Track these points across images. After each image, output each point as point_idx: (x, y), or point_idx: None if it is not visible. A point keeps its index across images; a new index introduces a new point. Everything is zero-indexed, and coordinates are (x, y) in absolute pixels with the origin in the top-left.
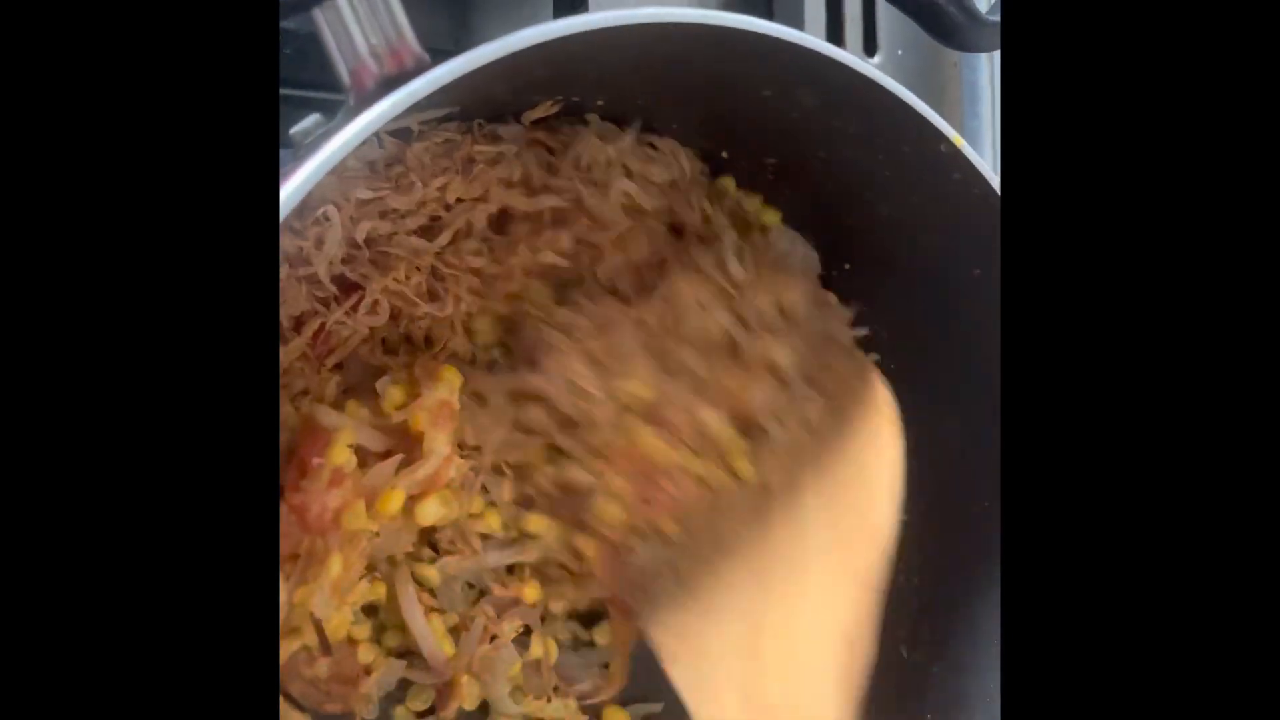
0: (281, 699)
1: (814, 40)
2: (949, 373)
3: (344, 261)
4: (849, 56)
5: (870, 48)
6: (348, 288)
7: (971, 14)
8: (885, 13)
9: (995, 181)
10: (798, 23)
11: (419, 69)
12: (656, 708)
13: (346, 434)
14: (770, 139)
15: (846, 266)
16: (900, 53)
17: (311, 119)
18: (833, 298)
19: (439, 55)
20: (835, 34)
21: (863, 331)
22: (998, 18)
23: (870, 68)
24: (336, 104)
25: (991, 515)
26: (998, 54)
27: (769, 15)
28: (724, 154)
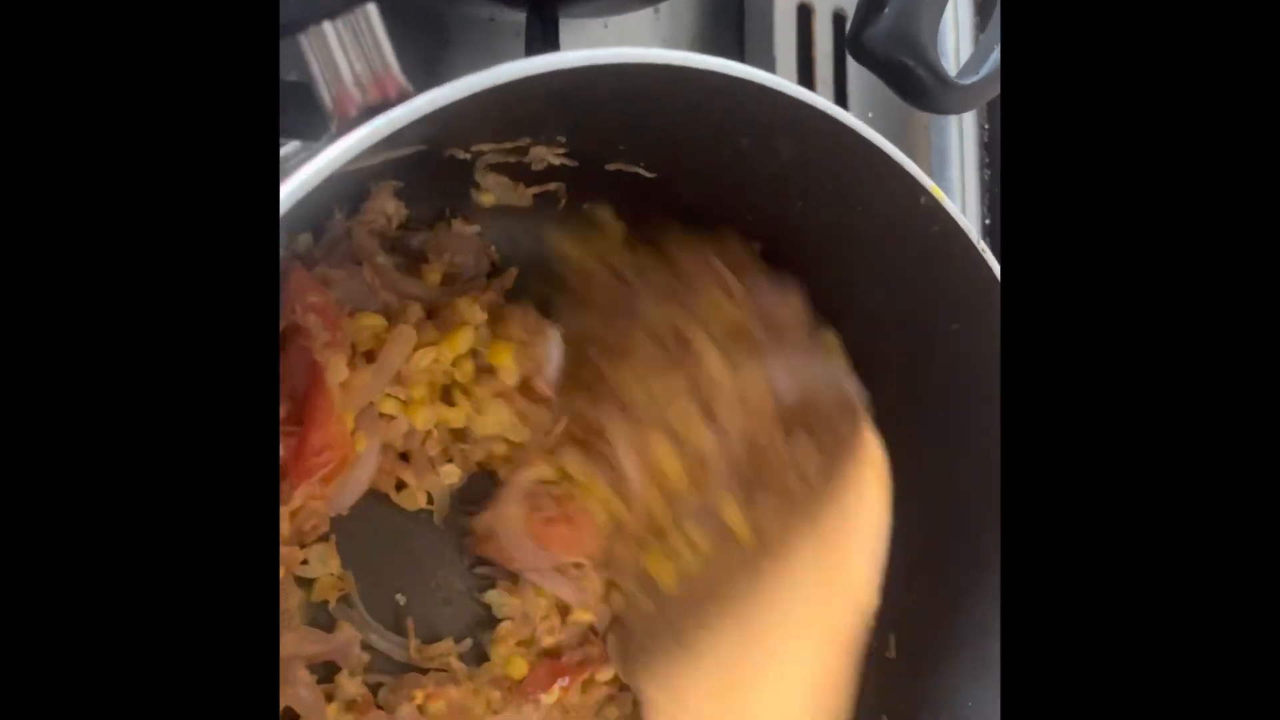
0: None
1: (790, 85)
2: (929, 426)
3: None
4: (826, 103)
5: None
6: None
7: (941, 77)
8: (855, 75)
9: (974, 235)
10: None
11: (402, 99)
12: None
13: None
14: (750, 190)
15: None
16: (870, 115)
17: (292, 145)
18: (834, 339)
19: None
20: None
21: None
22: (968, 81)
23: (849, 116)
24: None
25: (975, 583)
26: (968, 118)
27: None
28: (702, 206)
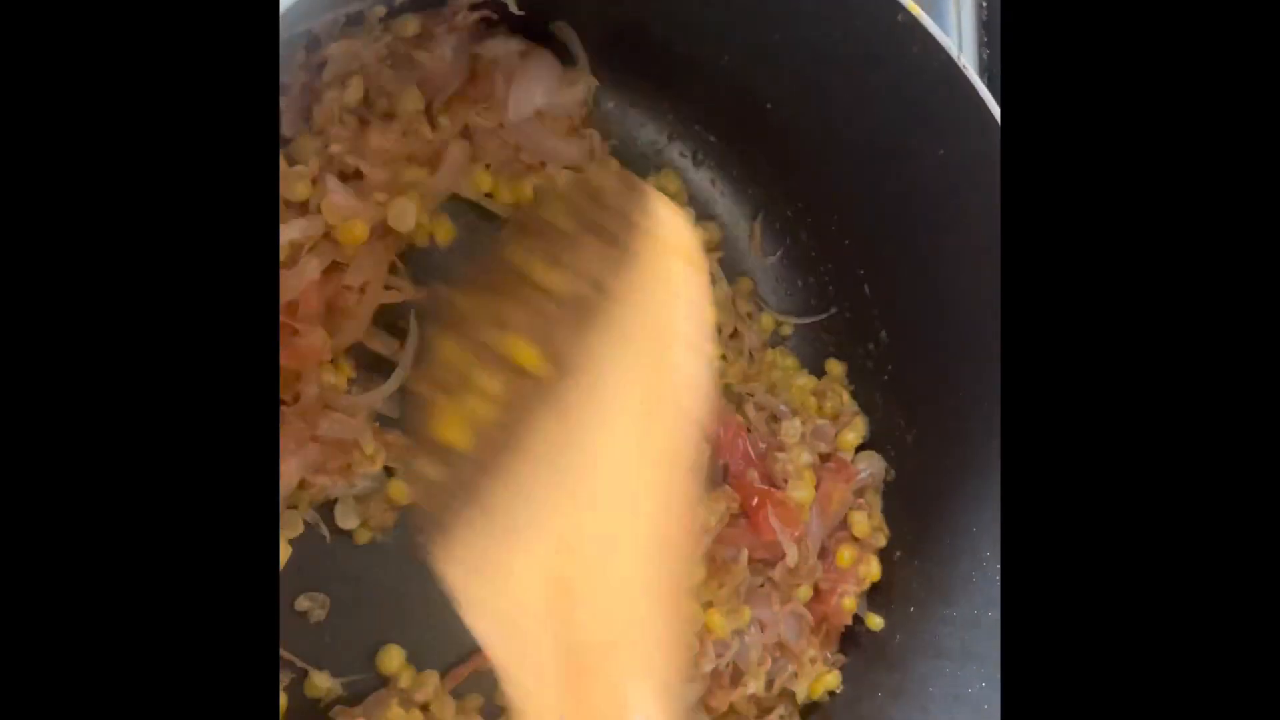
0: None
1: None
2: (911, 258)
3: None
4: None
5: None
6: None
7: None
8: None
9: (954, 51)
10: None
11: None
12: None
13: None
14: (727, 25)
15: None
16: None
17: None
18: None
19: None
20: None
21: None
22: None
23: None
24: None
25: (975, 410)
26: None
27: None
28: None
